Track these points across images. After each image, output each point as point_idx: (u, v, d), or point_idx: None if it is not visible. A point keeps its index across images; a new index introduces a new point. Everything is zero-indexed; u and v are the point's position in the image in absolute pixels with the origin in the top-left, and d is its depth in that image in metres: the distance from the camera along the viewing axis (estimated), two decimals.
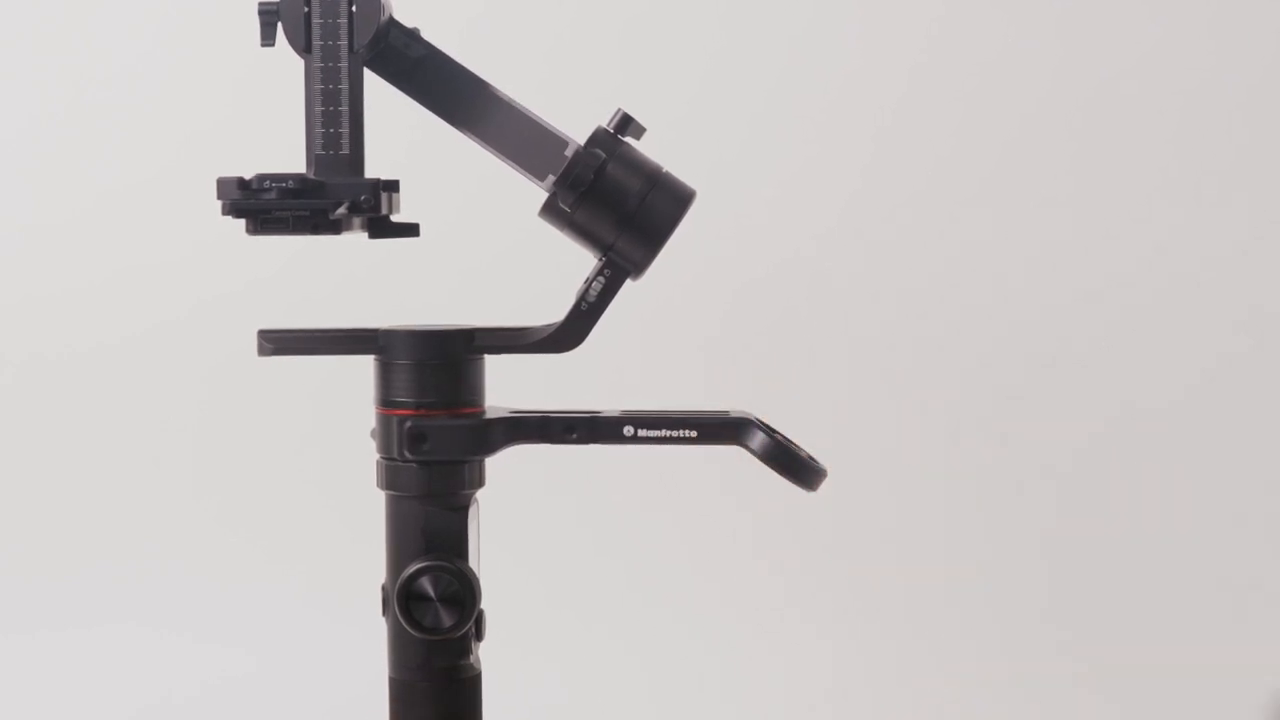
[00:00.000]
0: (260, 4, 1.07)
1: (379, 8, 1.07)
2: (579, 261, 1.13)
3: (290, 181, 1.06)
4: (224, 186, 1.07)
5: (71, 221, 2.03)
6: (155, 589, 1.98)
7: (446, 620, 1.09)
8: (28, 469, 2.03)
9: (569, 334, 1.12)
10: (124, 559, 2.00)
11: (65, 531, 2.01)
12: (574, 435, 1.13)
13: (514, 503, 1.33)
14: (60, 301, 2.03)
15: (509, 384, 1.18)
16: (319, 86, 1.08)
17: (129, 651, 1.93)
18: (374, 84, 1.10)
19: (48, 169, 2.04)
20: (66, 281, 2.03)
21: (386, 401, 1.11)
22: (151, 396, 2.02)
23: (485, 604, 1.12)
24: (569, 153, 1.09)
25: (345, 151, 1.08)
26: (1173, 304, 1.99)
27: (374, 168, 1.10)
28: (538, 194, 1.11)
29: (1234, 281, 1.99)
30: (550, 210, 1.11)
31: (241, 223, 1.08)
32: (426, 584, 1.09)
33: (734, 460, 1.14)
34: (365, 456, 1.14)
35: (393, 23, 1.10)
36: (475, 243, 1.93)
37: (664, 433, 1.12)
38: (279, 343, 1.13)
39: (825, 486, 1.14)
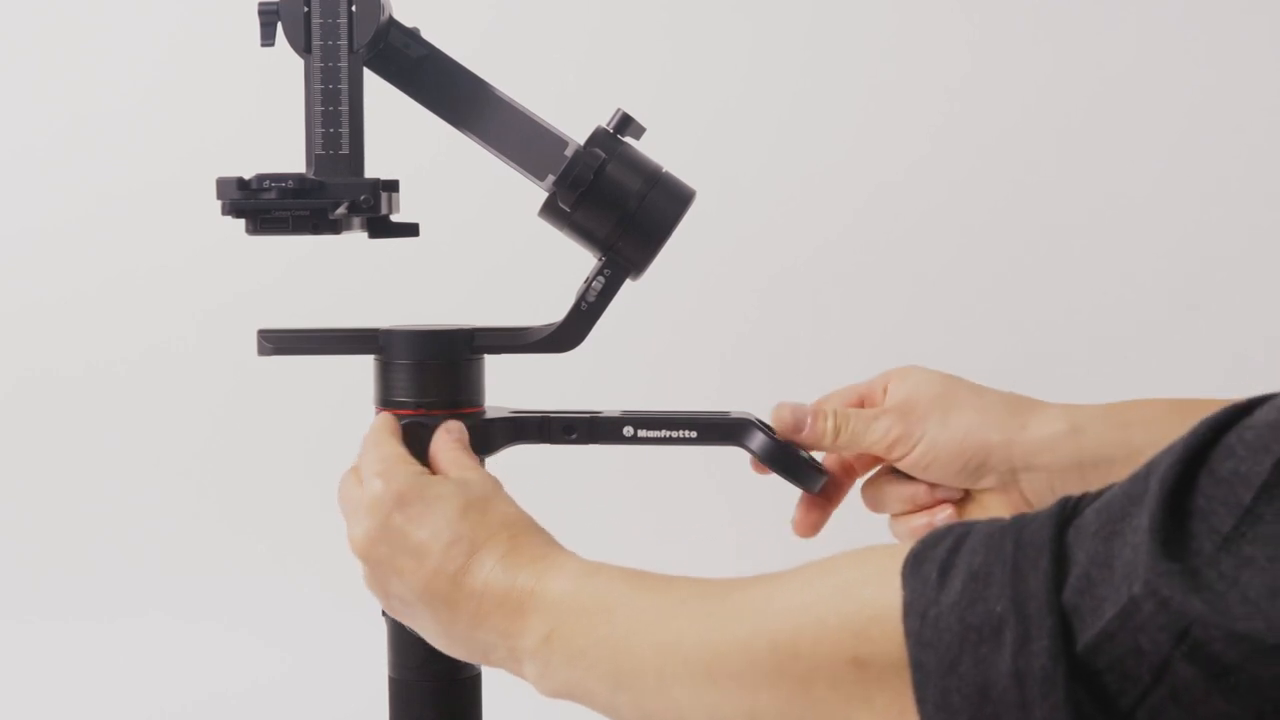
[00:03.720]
0: (260, 4, 1.07)
1: (379, 8, 1.07)
2: (579, 261, 1.13)
3: (290, 181, 1.06)
4: (223, 186, 1.07)
5: (72, 224, 2.03)
6: (154, 589, 1.98)
7: None
8: (29, 468, 2.03)
9: (569, 334, 1.12)
10: (123, 558, 2.00)
11: (67, 530, 2.01)
12: (574, 435, 1.13)
13: None
14: (63, 305, 2.03)
15: (509, 384, 1.18)
16: (319, 86, 1.08)
17: (127, 650, 1.93)
18: (374, 84, 1.10)
19: (48, 172, 2.04)
20: (69, 284, 2.03)
21: (386, 401, 1.11)
22: (151, 397, 2.02)
23: None
24: (569, 153, 1.09)
25: (345, 151, 1.08)
26: (1176, 306, 1.99)
27: (374, 168, 1.10)
28: (537, 194, 1.11)
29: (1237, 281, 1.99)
30: (550, 210, 1.11)
31: (241, 223, 1.08)
32: None
33: (734, 460, 1.14)
34: None
35: (393, 23, 1.10)
36: (475, 243, 1.92)
37: (664, 433, 1.12)
38: (279, 342, 1.13)
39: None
